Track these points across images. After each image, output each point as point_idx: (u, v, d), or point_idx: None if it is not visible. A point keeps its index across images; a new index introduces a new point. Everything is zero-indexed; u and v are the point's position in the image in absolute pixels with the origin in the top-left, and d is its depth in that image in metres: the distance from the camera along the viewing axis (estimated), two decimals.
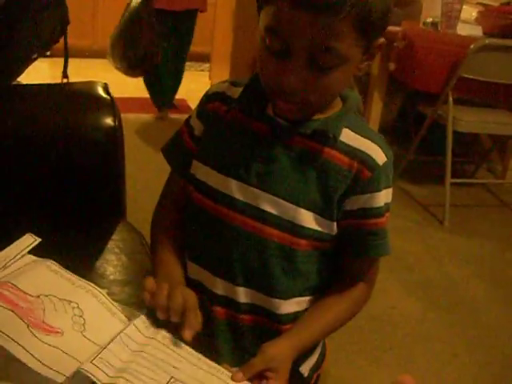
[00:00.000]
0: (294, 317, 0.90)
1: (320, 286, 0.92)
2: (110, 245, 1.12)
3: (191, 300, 0.78)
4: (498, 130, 3.07)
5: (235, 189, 0.86)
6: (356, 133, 0.85)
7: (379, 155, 0.84)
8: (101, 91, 1.28)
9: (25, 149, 1.15)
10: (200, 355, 0.75)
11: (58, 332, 0.71)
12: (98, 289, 0.80)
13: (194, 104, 0.90)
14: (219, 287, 0.89)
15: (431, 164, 3.72)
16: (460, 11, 3.07)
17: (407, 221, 2.84)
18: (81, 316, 0.74)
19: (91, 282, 0.84)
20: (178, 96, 4.36)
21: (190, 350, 0.75)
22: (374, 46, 0.80)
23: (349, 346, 1.80)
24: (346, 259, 0.92)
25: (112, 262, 1.04)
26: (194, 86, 4.37)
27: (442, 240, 2.69)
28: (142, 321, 0.76)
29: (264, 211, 0.84)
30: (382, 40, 0.80)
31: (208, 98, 0.94)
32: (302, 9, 0.71)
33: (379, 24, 0.77)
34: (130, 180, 1.39)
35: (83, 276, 0.89)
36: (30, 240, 0.87)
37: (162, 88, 3.95)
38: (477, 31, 3.16)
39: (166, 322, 0.76)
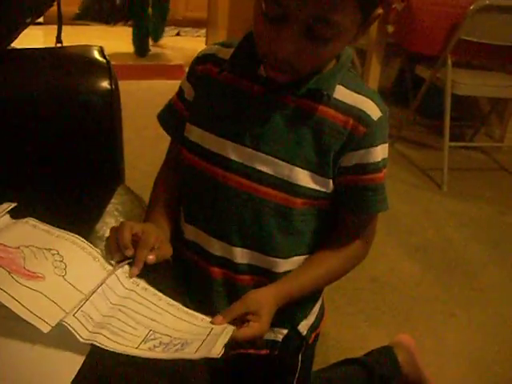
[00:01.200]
0: None
1: (318, 245, 0.93)
2: (109, 208, 1.12)
3: (144, 236, 0.81)
4: (498, 93, 3.06)
5: (230, 150, 0.86)
6: (350, 89, 0.85)
7: (374, 111, 0.84)
8: (96, 54, 1.27)
9: (20, 113, 1.14)
10: (179, 305, 0.77)
11: (39, 277, 0.72)
12: (78, 236, 0.81)
13: None
14: (216, 248, 0.90)
15: (429, 127, 3.71)
16: None
17: (405, 184, 2.84)
18: (61, 261, 0.76)
19: (91, 243, 0.85)
20: (174, 62, 4.34)
21: (170, 300, 0.77)
22: (371, 18, 0.80)
23: (348, 308, 1.82)
24: (344, 215, 0.92)
25: (111, 224, 1.03)
26: (190, 52, 4.33)
27: (440, 203, 2.69)
28: (123, 271, 0.77)
29: (259, 171, 0.85)
30: (379, 11, 0.79)
31: (198, 60, 0.94)
32: None
33: None
34: (127, 146, 1.38)
35: (83, 238, 0.90)
36: (5, 206, 0.89)
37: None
38: None
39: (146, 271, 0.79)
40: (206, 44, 5.04)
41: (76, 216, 1.07)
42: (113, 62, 1.24)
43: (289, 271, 0.91)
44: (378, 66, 3.07)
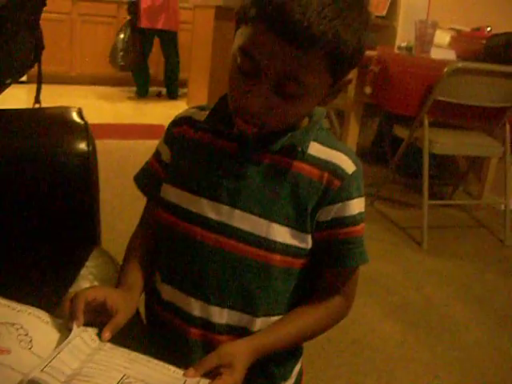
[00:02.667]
0: None
1: (297, 304, 0.91)
2: (84, 271, 1.10)
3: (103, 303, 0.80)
4: (474, 152, 3.11)
5: (207, 208, 0.86)
6: (324, 145, 0.86)
7: (348, 164, 0.86)
8: (74, 116, 1.27)
9: None
10: (150, 357, 0.75)
11: (4, 351, 0.70)
12: (40, 310, 0.80)
13: None
14: (194, 308, 0.89)
15: (408, 186, 3.75)
16: (433, 36, 3.13)
17: (385, 243, 2.84)
18: (26, 334, 0.74)
19: (63, 307, 0.82)
20: (155, 122, 4.42)
21: (140, 354, 0.76)
22: (341, 83, 0.82)
23: (329, 371, 1.78)
24: (322, 270, 0.91)
25: (85, 288, 1.01)
26: (172, 111, 4.36)
27: (420, 262, 2.69)
28: (88, 334, 0.76)
29: (237, 228, 0.84)
30: (349, 77, 0.82)
31: (174, 123, 0.96)
32: (277, 34, 0.72)
33: (350, 63, 0.79)
34: (106, 206, 1.37)
35: (55, 303, 0.88)
36: None
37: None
38: (450, 55, 3.21)
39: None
40: (188, 104, 5.11)
41: (49, 279, 1.05)
42: (94, 121, 1.24)
43: None
44: (356, 126, 3.12)
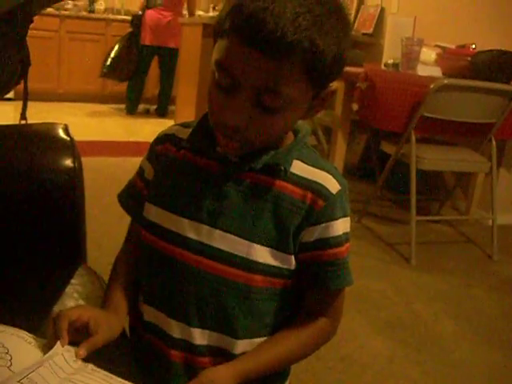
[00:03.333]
0: None
1: (280, 326, 0.90)
2: (69, 289, 1.08)
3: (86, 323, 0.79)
4: (461, 168, 3.13)
5: (188, 228, 0.84)
6: (308, 164, 0.85)
7: (332, 184, 0.84)
8: (60, 132, 1.26)
9: None
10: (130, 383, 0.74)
11: None
12: (21, 330, 0.79)
13: None
14: (175, 329, 0.87)
15: (396, 202, 3.76)
16: (419, 53, 3.15)
17: (373, 259, 2.84)
18: (6, 353, 0.73)
19: (47, 327, 0.81)
20: (142, 139, 4.43)
21: (122, 380, 0.75)
22: (324, 93, 0.81)
23: None
24: (307, 292, 0.90)
25: (70, 306, 1.00)
26: (159, 128, 4.35)
27: (408, 278, 2.69)
28: (71, 354, 0.74)
29: (217, 249, 0.83)
30: (333, 87, 0.81)
31: (158, 140, 0.94)
32: (252, 47, 0.70)
33: (331, 72, 0.77)
34: (93, 223, 1.36)
35: (39, 320, 0.87)
36: None
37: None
38: (436, 72, 3.23)
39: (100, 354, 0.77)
40: (175, 121, 5.10)
41: (33, 297, 1.03)
42: (81, 138, 1.23)
43: None
44: (343, 142, 3.14)
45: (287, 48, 0.70)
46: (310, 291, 0.90)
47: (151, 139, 0.96)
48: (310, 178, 0.84)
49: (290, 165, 0.83)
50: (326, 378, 1.82)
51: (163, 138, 0.93)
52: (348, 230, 0.87)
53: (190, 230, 0.84)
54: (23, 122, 1.59)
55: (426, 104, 2.72)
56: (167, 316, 0.87)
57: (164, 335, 0.88)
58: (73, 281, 1.12)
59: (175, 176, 0.89)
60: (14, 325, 0.81)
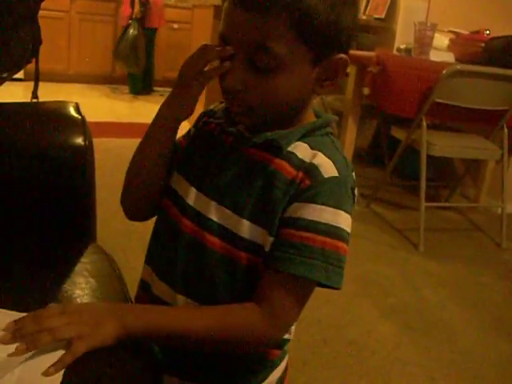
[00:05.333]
0: None
1: None
2: (79, 267, 1.08)
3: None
4: (471, 155, 3.11)
5: (191, 195, 0.86)
6: (314, 149, 0.82)
7: (328, 169, 0.79)
8: (71, 111, 1.26)
9: None
10: None
11: None
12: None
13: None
14: (163, 292, 0.88)
15: (405, 188, 3.74)
16: (432, 38, 3.12)
17: (382, 245, 2.84)
18: None
19: (58, 303, 0.81)
20: (150, 121, 4.45)
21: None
22: (331, 61, 0.79)
23: (325, 372, 1.77)
24: (263, 271, 0.82)
25: (80, 284, 1.00)
26: None
27: (416, 264, 2.68)
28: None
29: (209, 219, 0.83)
30: (340, 56, 0.79)
31: (204, 112, 0.96)
32: (238, 7, 0.74)
33: (325, 35, 0.76)
34: (103, 205, 1.36)
35: (50, 298, 0.87)
36: None
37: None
38: (449, 58, 3.21)
39: None
40: None
41: (44, 274, 1.03)
42: (92, 120, 1.23)
43: None
44: (354, 127, 3.11)
45: (267, 2, 0.72)
46: (265, 270, 0.81)
47: None
48: (307, 160, 0.80)
49: (290, 144, 0.81)
50: (333, 362, 1.83)
51: (207, 111, 0.95)
52: (338, 225, 0.79)
53: (192, 197, 0.86)
54: (34, 100, 1.59)
55: (437, 90, 2.69)
56: (158, 278, 0.89)
57: (154, 297, 0.90)
58: (83, 259, 1.12)
59: (198, 146, 0.91)
60: (24, 303, 0.80)
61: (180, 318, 0.80)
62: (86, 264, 1.10)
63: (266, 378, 0.93)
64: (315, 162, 0.80)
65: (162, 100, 0.90)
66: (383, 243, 2.86)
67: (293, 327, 0.92)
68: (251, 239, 0.81)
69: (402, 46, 3.30)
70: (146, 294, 0.93)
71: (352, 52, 3.24)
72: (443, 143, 2.91)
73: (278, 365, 0.95)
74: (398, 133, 3.13)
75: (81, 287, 1.00)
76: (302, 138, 0.83)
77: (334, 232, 0.78)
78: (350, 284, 2.37)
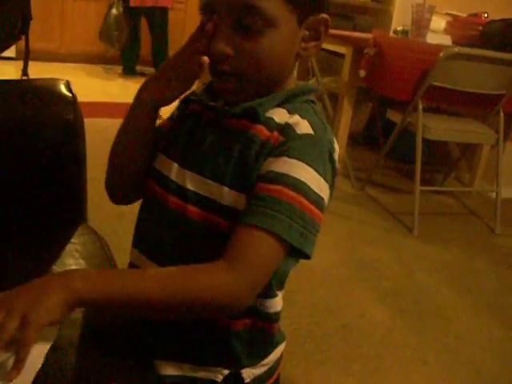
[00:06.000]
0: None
1: None
2: (69, 248, 1.06)
3: None
4: (467, 138, 3.09)
5: (174, 172, 0.85)
6: (291, 113, 0.81)
7: (303, 127, 0.79)
8: (62, 88, 1.23)
9: None
10: None
11: None
12: None
13: (161, 110, 0.89)
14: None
15: (400, 172, 3.73)
16: (430, 20, 3.09)
17: (376, 229, 2.83)
18: None
19: None
20: None
21: None
22: (314, 21, 0.80)
23: (318, 355, 1.76)
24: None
25: (70, 266, 0.98)
26: None
27: (410, 248, 2.68)
28: None
29: (190, 191, 0.82)
30: (322, 16, 0.80)
31: (185, 96, 0.94)
32: None
33: None
34: (95, 185, 1.33)
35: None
36: None
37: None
38: (446, 40, 3.18)
39: None
40: None
41: (33, 255, 1.01)
42: (84, 100, 1.20)
43: None
44: (349, 109, 3.09)
45: None
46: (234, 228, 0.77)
47: None
48: (284, 122, 0.80)
49: (267, 109, 0.81)
50: (325, 345, 1.82)
51: (189, 95, 0.93)
52: (309, 183, 0.75)
53: (173, 172, 0.85)
54: (24, 78, 1.56)
55: (434, 72, 2.66)
56: (147, 258, 0.88)
57: None
58: (73, 240, 1.10)
59: (180, 126, 0.90)
60: (11, 285, 0.78)
61: (137, 278, 0.74)
62: (76, 245, 1.08)
63: (265, 357, 0.92)
64: (290, 121, 0.79)
65: None
66: (377, 227, 2.85)
67: (279, 299, 0.90)
68: (233, 206, 0.79)
69: (399, 28, 3.27)
70: None
71: (348, 33, 3.21)
72: (439, 127, 2.89)
73: (279, 343, 0.95)
74: (394, 116, 3.10)
75: (71, 269, 0.97)
76: (281, 105, 0.82)
77: (304, 190, 0.75)
78: (344, 267, 2.36)
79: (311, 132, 0.78)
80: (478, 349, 1.94)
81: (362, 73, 2.87)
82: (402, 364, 1.80)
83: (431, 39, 3.10)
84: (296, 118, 0.80)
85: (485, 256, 2.71)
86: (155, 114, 0.87)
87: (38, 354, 0.68)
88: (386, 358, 1.81)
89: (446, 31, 3.35)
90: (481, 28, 3.19)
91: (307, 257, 0.77)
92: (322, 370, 1.70)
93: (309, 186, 0.75)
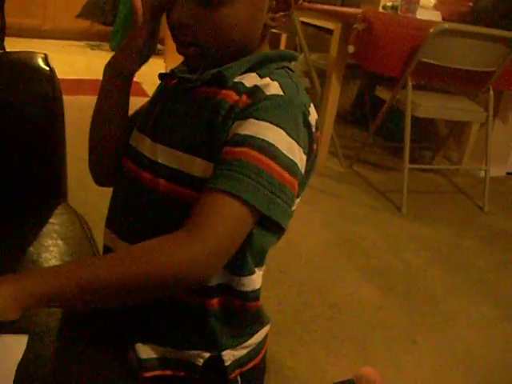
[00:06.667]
0: (218, 288, 0.81)
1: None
2: (47, 228, 1.02)
3: None
4: (457, 116, 3.06)
5: (146, 147, 0.83)
6: (263, 77, 0.77)
7: (272, 88, 0.75)
8: (39, 62, 1.17)
9: None
10: None
11: None
12: None
13: (148, 87, 0.86)
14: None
15: (388, 149, 3.70)
16: None
17: (364, 206, 2.80)
18: None
19: (23, 267, 0.76)
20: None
21: None
22: None
23: (305, 335, 1.74)
24: None
25: (48, 247, 0.94)
26: (148, 69, 4.23)
27: (399, 226, 2.66)
28: None
29: (161, 164, 0.79)
30: None
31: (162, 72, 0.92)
32: None
33: None
34: (79, 164, 1.29)
35: (15, 262, 0.81)
36: None
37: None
38: (436, 17, 3.14)
39: None
40: (165, 61, 4.96)
41: (10, 236, 0.97)
42: (67, 77, 1.15)
43: None
44: (337, 86, 3.04)
45: None
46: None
47: (138, 78, 0.90)
48: (253, 84, 0.76)
49: (235, 73, 0.77)
50: (313, 325, 1.80)
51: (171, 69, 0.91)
52: (278, 145, 0.71)
53: (145, 146, 0.83)
54: (1, 51, 1.50)
55: (424, 49, 2.62)
56: (118, 237, 0.84)
57: None
58: (52, 220, 1.05)
59: (155, 101, 0.88)
60: None
61: (87, 266, 0.68)
62: (54, 225, 1.04)
63: (247, 339, 0.88)
64: (260, 83, 0.76)
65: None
66: (366, 205, 2.83)
67: (257, 276, 0.85)
68: (205, 177, 0.74)
69: (389, 4, 3.21)
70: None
71: (337, 8, 3.14)
72: (428, 104, 2.86)
73: (263, 325, 0.91)
74: (383, 93, 3.06)
75: (48, 250, 0.93)
76: (254, 71, 0.79)
77: (272, 152, 0.70)
78: (332, 245, 2.34)
79: (280, 93, 0.74)
80: (466, 327, 1.93)
81: (351, 48, 2.82)
82: (391, 344, 1.78)
83: (421, 15, 3.05)
84: (266, 80, 0.76)
85: (473, 234, 2.70)
86: (124, 86, 0.85)
87: (18, 344, 0.69)
88: (375, 338, 1.79)
89: (436, 7, 3.30)
90: (471, 4, 3.15)
91: (282, 229, 0.73)
92: (309, 351, 1.68)
93: (278, 149, 0.71)
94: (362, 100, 3.88)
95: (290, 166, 0.72)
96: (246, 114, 0.73)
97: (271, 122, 0.71)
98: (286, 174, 0.71)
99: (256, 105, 0.73)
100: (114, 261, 0.68)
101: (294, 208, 0.78)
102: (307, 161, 0.78)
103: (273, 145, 0.70)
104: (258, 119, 0.71)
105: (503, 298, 2.16)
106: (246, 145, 0.70)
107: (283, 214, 0.72)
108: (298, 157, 0.74)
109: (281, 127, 0.72)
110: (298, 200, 0.81)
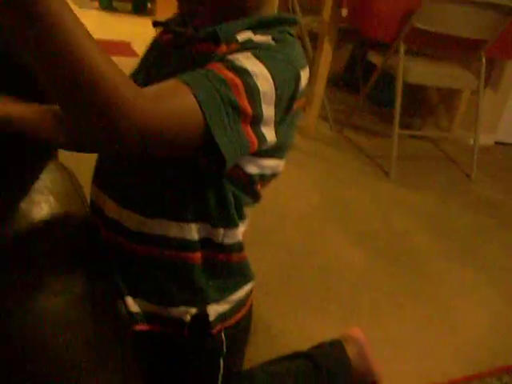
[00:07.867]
0: (200, 242, 0.83)
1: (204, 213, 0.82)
2: (38, 185, 1.01)
3: None
4: (448, 83, 3.05)
5: None
6: (257, 34, 0.77)
7: (262, 39, 0.76)
8: None
9: None
10: None
11: None
12: None
13: (138, 47, 0.85)
14: (110, 209, 0.86)
15: (379, 115, 3.70)
16: None
17: (353, 171, 2.81)
18: None
19: (14, 223, 0.75)
20: (117, 38, 4.22)
21: None
22: None
23: (293, 298, 1.76)
24: None
25: (38, 203, 0.93)
26: (138, 29, 4.17)
27: (387, 191, 2.67)
28: None
29: None
30: None
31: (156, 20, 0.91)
32: None
33: None
34: None
35: (5, 218, 0.80)
36: None
37: None
38: None
39: None
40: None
41: None
42: None
43: (183, 239, 0.82)
44: (329, 50, 3.01)
45: None
46: None
47: (129, 38, 0.89)
48: (247, 38, 0.76)
49: (231, 30, 0.77)
50: (302, 288, 1.81)
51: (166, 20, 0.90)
52: (257, 78, 0.70)
53: None
54: None
55: (418, 15, 2.60)
56: (103, 193, 0.87)
57: (100, 215, 0.88)
58: (42, 176, 1.04)
59: (145, 53, 0.89)
60: None
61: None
62: (45, 181, 1.03)
63: (232, 293, 0.90)
64: (253, 37, 0.76)
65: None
66: (355, 169, 2.84)
67: (240, 228, 0.87)
68: None
69: None
70: (95, 214, 0.90)
71: None
72: (420, 70, 2.85)
73: (248, 281, 0.93)
74: (375, 57, 3.04)
75: (39, 206, 0.93)
76: (252, 31, 0.78)
77: (244, 77, 0.69)
78: (320, 208, 2.35)
79: (271, 42, 0.75)
80: (451, 292, 1.96)
81: (344, 12, 2.79)
82: (378, 306, 1.81)
83: None
84: (259, 36, 0.76)
85: (460, 201, 2.73)
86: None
87: None
88: (362, 300, 1.82)
89: None
90: None
91: (222, 157, 0.68)
92: (297, 311, 1.70)
93: (253, 78, 0.69)
94: (354, 64, 3.85)
95: (253, 95, 0.70)
96: (230, 53, 0.73)
97: (256, 58, 0.71)
98: (245, 101, 0.69)
99: (243, 46, 0.74)
100: (90, 41, 0.61)
101: (241, 150, 0.72)
102: (282, 118, 0.77)
103: (249, 73, 0.69)
104: (241, 52, 0.72)
105: (487, 264, 2.19)
106: (221, 62, 0.70)
107: (224, 133, 0.67)
108: (270, 97, 0.72)
109: (267, 67, 0.71)
110: (282, 162, 0.84)
